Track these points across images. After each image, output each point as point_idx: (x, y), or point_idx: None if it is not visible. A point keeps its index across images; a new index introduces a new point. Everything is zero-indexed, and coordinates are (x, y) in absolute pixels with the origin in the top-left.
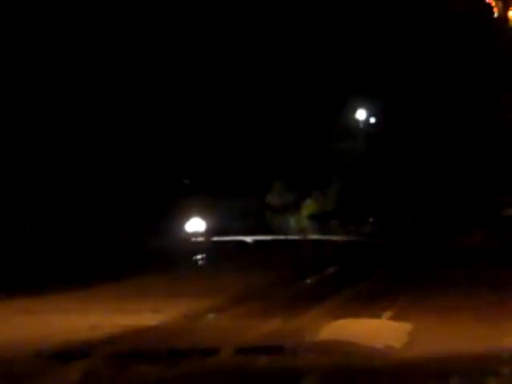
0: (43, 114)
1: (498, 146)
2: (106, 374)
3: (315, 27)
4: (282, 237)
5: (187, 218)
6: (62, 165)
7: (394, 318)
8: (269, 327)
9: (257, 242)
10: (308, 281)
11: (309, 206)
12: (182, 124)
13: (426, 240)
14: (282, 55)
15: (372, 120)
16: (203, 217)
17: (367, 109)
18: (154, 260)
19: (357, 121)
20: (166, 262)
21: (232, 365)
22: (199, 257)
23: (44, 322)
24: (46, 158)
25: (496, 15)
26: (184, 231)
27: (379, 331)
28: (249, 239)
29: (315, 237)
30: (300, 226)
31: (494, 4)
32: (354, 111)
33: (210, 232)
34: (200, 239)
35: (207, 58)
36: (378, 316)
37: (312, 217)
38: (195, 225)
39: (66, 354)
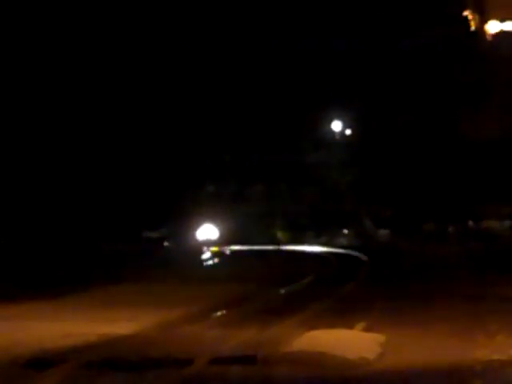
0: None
1: (474, 158)
2: (80, 382)
3: (295, 37)
4: (256, 247)
5: (199, 223)
6: (49, 165)
7: (368, 329)
8: (243, 337)
9: (233, 252)
10: (282, 291)
11: (284, 217)
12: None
13: (400, 251)
14: (260, 65)
15: (348, 131)
16: (216, 223)
17: (343, 120)
18: (134, 267)
19: (332, 132)
20: (143, 269)
21: (206, 375)
22: (178, 266)
23: (19, 329)
24: (26, 158)
25: (473, 28)
26: (194, 239)
27: (352, 342)
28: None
29: (290, 247)
30: (275, 236)
31: (470, 17)
32: (330, 122)
33: (223, 241)
34: (212, 249)
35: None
36: (352, 327)
37: (287, 228)
38: (207, 232)
39: (41, 362)
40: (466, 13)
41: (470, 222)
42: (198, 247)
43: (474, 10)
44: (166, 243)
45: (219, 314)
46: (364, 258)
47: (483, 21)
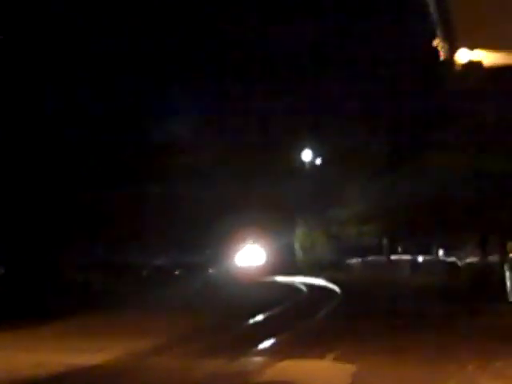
0: None
1: (441, 188)
2: None
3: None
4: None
5: (239, 247)
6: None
7: (338, 359)
8: (213, 367)
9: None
10: (252, 321)
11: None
12: None
13: (370, 281)
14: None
15: (318, 161)
16: (262, 244)
17: (313, 149)
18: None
19: (302, 162)
20: (115, 300)
21: None
22: (155, 294)
23: None
24: None
25: (442, 58)
26: (233, 264)
27: (323, 372)
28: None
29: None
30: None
31: (440, 46)
32: (300, 152)
33: (267, 268)
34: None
35: None
36: (322, 357)
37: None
38: (250, 256)
39: None
40: (435, 42)
41: (441, 253)
42: (235, 275)
43: (444, 38)
44: (210, 270)
45: (190, 343)
46: (334, 287)
47: (453, 49)
